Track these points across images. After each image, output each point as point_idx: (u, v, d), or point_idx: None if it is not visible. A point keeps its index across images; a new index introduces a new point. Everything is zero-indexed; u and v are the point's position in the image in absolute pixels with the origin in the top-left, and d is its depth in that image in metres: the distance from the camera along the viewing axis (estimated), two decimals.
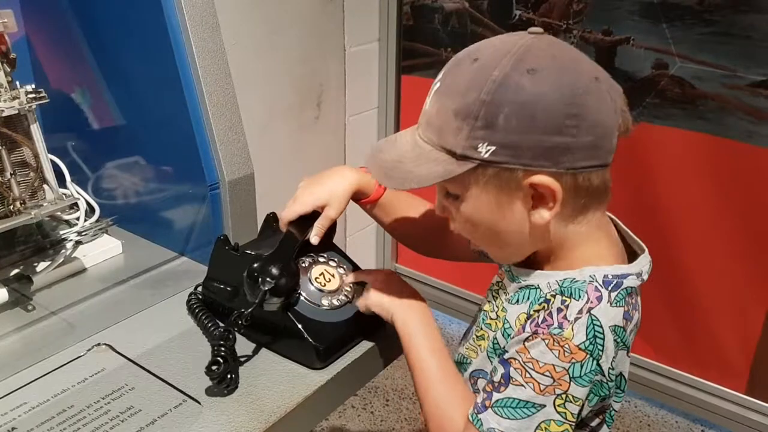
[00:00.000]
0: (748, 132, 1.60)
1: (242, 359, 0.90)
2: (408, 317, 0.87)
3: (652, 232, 1.81)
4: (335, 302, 0.92)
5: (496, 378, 0.75)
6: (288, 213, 0.92)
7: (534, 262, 0.82)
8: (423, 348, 0.84)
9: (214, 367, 0.83)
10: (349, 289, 0.95)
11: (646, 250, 0.81)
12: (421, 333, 0.85)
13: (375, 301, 0.90)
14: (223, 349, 0.84)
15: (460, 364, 0.89)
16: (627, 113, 0.74)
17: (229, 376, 0.84)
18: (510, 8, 1.86)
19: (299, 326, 0.88)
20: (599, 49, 1.75)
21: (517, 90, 0.68)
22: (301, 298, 0.90)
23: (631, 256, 0.81)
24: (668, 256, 1.77)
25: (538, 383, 0.71)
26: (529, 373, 0.72)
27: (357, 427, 1.92)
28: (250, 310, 0.85)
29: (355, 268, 0.99)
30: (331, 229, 0.95)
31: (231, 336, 0.86)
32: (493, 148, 0.69)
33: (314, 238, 0.93)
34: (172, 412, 0.82)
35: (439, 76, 0.75)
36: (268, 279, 0.85)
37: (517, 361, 0.73)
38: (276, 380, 0.87)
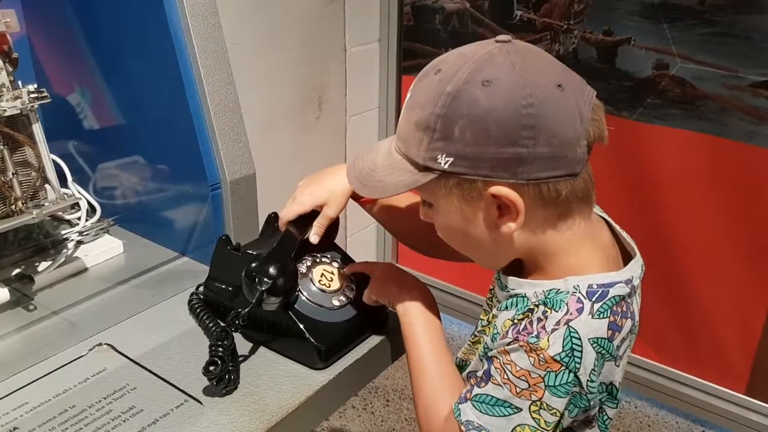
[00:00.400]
0: (748, 132, 1.60)
1: (244, 359, 0.90)
2: (410, 305, 0.88)
3: (652, 232, 1.83)
4: (336, 302, 0.92)
5: (479, 373, 0.77)
6: (287, 213, 0.93)
7: (523, 271, 0.83)
8: (421, 336, 0.85)
9: (211, 368, 0.83)
10: (350, 288, 0.95)
11: (638, 253, 0.81)
12: (421, 322, 0.86)
13: (379, 291, 0.91)
14: (220, 349, 0.84)
15: (461, 367, 0.89)
16: (600, 121, 0.73)
17: (227, 376, 0.84)
18: (511, 8, 1.86)
19: (301, 326, 0.88)
20: (600, 50, 1.75)
21: (470, 103, 0.69)
22: (303, 298, 0.90)
23: (628, 258, 0.81)
24: (668, 256, 1.77)
25: (515, 386, 0.72)
26: (507, 375, 0.73)
27: (357, 428, 1.92)
28: (246, 310, 0.85)
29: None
30: (333, 229, 0.95)
31: (228, 336, 0.86)
32: (451, 159, 0.70)
33: (313, 237, 0.93)
34: (174, 412, 0.82)
35: (411, 86, 0.76)
36: (265, 279, 0.85)
37: (498, 361, 0.74)
38: (278, 380, 0.87)
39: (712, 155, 1.67)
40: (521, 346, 0.72)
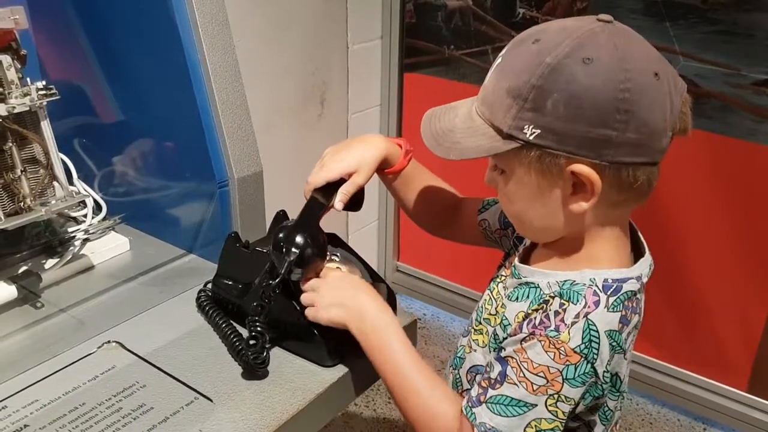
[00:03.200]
0: (750, 130, 1.61)
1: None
2: (371, 324, 0.84)
3: (654, 230, 1.81)
4: None
5: (493, 375, 0.76)
6: (315, 179, 0.91)
7: (537, 257, 0.83)
8: (398, 354, 0.82)
9: (252, 342, 0.83)
10: None
11: (647, 251, 0.82)
12: (394, 339, 0.83)
13: (323, 317, 0.85)
14: (258, 325, 0.83)
15: (456, 359, 0.90)
16: (687, 115, 0.74)
17: (265, 353, 0.84)
18: (513, 6, 1.86)
19: (310, 323, 0.88)
20: None
21: (569, 78, 0.68)
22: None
23: (638, 255, 0.82)
24: (671, 254, 1.77)
25: (531, 383, 0.72)
26: (524, 373, 0.73)
27: (359, 425, 1.92)
28: (277, 280, 0.83)
29: (364, 264, 0.99)
30: (359, 198, 0.94)
31: (264, 310, 0.84)
32: (538, 131, 0.70)
33: (338, 203, 0.91)
34: (184, 410, 0.82)
35: (503, 52, 0.75)
36: (292, 249, 0.84)
37: (514, 360, 0.74)
38: (287, 378, 0.87)
39: (714, 153, 1.67)
40: (540, 340, 0.73)
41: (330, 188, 0.91)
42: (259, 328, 0.84)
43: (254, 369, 0.86)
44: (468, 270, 2.11)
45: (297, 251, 0.84)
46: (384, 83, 2.18)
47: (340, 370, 0.89)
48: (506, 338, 0.79)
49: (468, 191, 1.05)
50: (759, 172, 1.62)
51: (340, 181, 0.91)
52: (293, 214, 1.02)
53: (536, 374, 0.72)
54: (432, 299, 2.27)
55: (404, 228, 2.27)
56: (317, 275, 0.89)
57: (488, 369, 0.79)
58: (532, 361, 0.73)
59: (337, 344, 0.89)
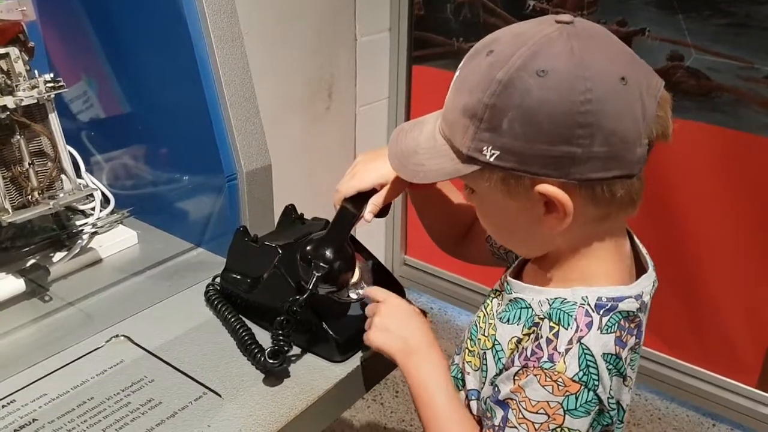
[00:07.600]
0: (763, 125, 1.59)
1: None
2: (414, 365, 0.81)
3: (664, 225, 1.82)
4: (354, 295, 0.92)
5: (496, 422, 0.72)
6: (347, 188, 0.88)
7: (530, 271, 0.80)
8: (436, 390, 0.80)
9: (273, 356, 0.82)
10: (368, 281, 0.94)
11: (651, 267, 0.77)
12: (433, 377, 0.80)
13: (375, 342, 0.84)
14: (281, 338, 0.83)
15: (455, 379, 0.86)
16: (665, 117, 0.68)
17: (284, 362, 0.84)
18: None
19: (320, 319, 0.88)
20: None
21: (522, 94, 0.63)
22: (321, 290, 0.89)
23: (640, 271, 0.77)
24: (681, 248, 1.76)
25: (532, 423, 0.68)
26: (523, 414, 0.69)
27: (367, 419, 1.92)
28: (304, 296, 0.83)
29: (374, 260, 0.98)
30: (387, 206, 0.91)
31: (289, 323, 0.83)
32: (497, 152, 0.65)
33: (369, 215, 0.88)
34: (193, 405, 0.82)
35: (461, 63, 0.71)
36: (321, 264, 0.83)
37: (514, 402, 0.70)
38: (296, 373, 0.87)
39: (725, 147, 1.65)
40: (535, 374, 0.69)
41: (360, 198, 0.88)
42: (282, 342, 0.83)
43: (270, 372, 0.85)
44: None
45: (326, 266, 0.83)
46: (392, 76, 2.16)
47: (349, 365, 0.89)
48: (500, 372, 0.75)
49: None
50: None
51: (372, 191, 0.88)
52: (301, 208, 1.02)
53: (536, 412, 0.68)
54: (439, 293, 2.26)
55: (412, 222, 2.26)
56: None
57: (490, 415, 0.74)
58: (530, 399, 0.68)
59: (346, 340, 0.89)
